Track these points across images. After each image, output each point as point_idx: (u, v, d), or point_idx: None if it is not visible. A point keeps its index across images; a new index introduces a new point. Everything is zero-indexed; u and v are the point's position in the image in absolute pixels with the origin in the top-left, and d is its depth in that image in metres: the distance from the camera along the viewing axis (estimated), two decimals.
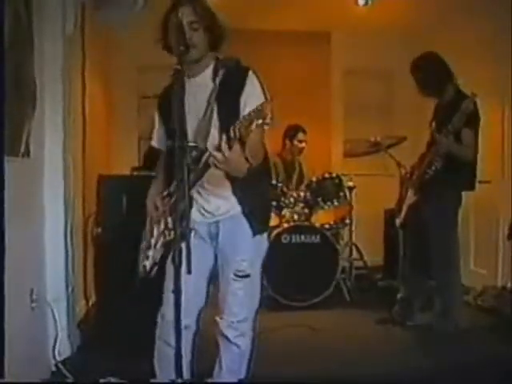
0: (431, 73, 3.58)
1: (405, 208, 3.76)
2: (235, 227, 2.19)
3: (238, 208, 2.17)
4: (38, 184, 2.96)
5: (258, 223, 2.20)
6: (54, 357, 3.00)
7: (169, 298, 2.18)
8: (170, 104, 2.14)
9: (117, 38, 4.94)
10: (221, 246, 2.22)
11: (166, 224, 2.17)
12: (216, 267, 2.27)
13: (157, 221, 2.23)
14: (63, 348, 3.07)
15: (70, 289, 3.18)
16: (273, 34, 5.70)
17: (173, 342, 2.13)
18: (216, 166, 1.96)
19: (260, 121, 1.79)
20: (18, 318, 2.44)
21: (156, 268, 2.20)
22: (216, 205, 2.18)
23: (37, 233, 2.95)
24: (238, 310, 2.23)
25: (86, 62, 3.74)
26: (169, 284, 2.20)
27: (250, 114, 1.82)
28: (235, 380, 2.30)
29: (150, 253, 2.22)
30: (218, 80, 2.13)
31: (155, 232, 2.23)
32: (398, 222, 3.87)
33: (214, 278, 2.30)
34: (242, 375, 2.32)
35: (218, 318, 2.25)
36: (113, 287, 3.21)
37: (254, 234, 2.19)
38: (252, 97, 2.06)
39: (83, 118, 3.76)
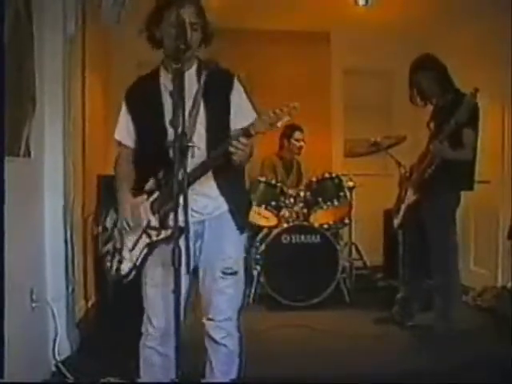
0: (431, 76, 3.57)
1: (403, 208, 3.76)
2: (221, 225, 2.21)
3: (225, 206, 2.20)
4: (38, 184, 2.97)
5: (242, 220, 2.26)
6: (54, 357, 3.00)
7: (155, 305, 2.19)
8: (141, 99, 2.20)
9: (117, 38, 4.93)
10: (206, 245, 2.21)
11: (149, 223, 2.14)
12: (197, 268, 2.24)
13: (136, 220, 2.17)
14: (63, 348, 3.07)
15: (70, 289, 3.18)
16: (273, 34, 5.70)
17: (162, 349, 2.21)
18: (234, 155, 1.99)
19: (286, 118, 1.92)
20: (17, 318, 2.44)
21: (135, 272, 2.16)
22: (203, 204, 2.18)
23: (37, 233, 2.95)
24: (225, 307, 2.23)
25: (86, 61, 3.74)
26: (151, 290, 2.20)
27: (275, 112, 1.92)
28: (227, 381, 2.31)
29: (126, 255, 2.17)
30: (202, 79, 2.16)
31: (132, 232, 2.17)
32: (396, 222, 3.87)
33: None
34: (234, 375, 2.31)
35: (204, 320, 2.25)
36: (113, 287, 3.21)
37: (241, 231, 2.24)
38: (241, 99, 2.21)
39: (83, 117, 3.76)
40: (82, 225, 3.75)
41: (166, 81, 2.17)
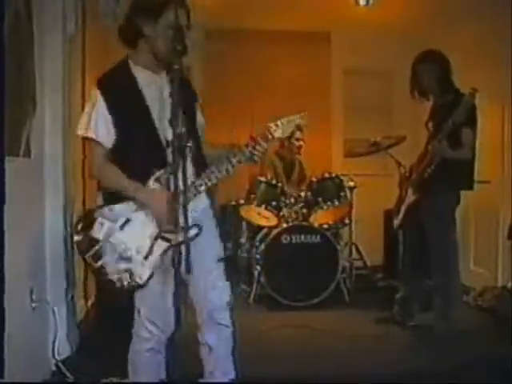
0: (435, 70, 3.57)
1: (403, 208, 3.76)
2: (207, 219, 2.29)
3: (207, 201, 2.31)
4: (38, 184, 2.96)
5: (216, 211, 2.42)
6: (54, 357, 3.00)
7: (159, 306, 2.17)
8: (121, 96, 2.12)
9: (117, 37, 4.93)
10: (197, 241, 2.16)
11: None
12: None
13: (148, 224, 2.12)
14: (63, 348, 3.07)
15: (69, 289, 3.18)
16: (273, 34, 5.70)
17: (158, 349, 2.25)
18: (256, 156, 2.14)
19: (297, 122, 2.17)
20: (18, 318, 2.44)
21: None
22: (195, 202, 2.17)
23: (37, 233, 2.95)
24: (223, 294, 2.29)
25: (86, 61, 3.74)
26: (154, 293, 2.17)
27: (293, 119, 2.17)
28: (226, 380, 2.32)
29: (143, 262, 2.09)
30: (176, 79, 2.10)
31: (142, 238, 2.10)
32: (395, 223, 3.87)
33: None
34: (232, 376, 2.34)
35: (202, 308, 2.28)
36: (113, 287, 3.21)
37: (217, 221, 2.36)
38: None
39: None
40: None
41: (145, 80, 2.16)
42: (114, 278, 2.09)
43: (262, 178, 4.64)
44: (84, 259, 2.13)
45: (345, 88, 6.12)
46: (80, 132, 2.17)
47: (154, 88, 2.15)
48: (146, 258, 2.10)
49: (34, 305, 2.74)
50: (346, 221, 4.82)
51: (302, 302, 4.31)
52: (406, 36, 5.38)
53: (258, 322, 3.90)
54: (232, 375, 2.34)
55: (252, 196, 4.55)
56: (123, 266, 2.08)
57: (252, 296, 4.39)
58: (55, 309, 3.02)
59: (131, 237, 2.11)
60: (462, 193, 3.61)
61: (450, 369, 3.00)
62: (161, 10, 2.09)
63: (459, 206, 3.63)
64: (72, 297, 3.22)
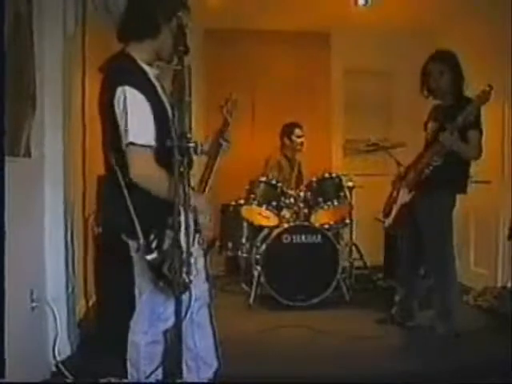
0: (446, 69, 3.56)
1: (396, 208, 3.75)
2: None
3: None
4: (38, 184, 2.97)
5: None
6: (54, 357, 3.00)
7: (158, 297, 2.13)
8: (150, 89, 2.07)
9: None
10: None
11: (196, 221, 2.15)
12: None
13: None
14: (63, 348, 3.07)
15: (69, 289, 3.18)
16: (273, 34, 5.71)
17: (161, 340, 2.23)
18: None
19: None
20: (18, 318, 2.44)
21: None
22: None
23: (37, 233, 2.95)
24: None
25: (87, 60, 3.74)
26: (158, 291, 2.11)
27: None
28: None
29: (192, 261, 2.02)
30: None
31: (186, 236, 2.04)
32: (387, 223, 3.86)
33: None
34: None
35: None
36: (113, 287, 3.21)
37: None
38: None
39: (83, 117, 3.75)
40: (82, 224, 3.75)
41: (153, 75, 2.15)
42: (181, 280, 1.97)
43: (262, 178, 4.64)
44: None
45: (345, 88, 6.11)
46: (141, 141, 1.98)
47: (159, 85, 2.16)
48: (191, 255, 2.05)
49: (33, 305, 2.75)
50: (347, 221, 4.82)
51: (302, 302, 4.31)
52: (405, 36, 5.38)
53: (258, 322, 3.90)
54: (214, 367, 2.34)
55: (252, 196, 4.55)
56: (181, 267, 1.98)
57: (252, 296, 4.39)
58: (55, 309, 3.02)
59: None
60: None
61: (450, 369, 3.00)
62: (176, 9, 2.08)
63: (459, 206, 3.62)
64: (72, 297, 3.22)
